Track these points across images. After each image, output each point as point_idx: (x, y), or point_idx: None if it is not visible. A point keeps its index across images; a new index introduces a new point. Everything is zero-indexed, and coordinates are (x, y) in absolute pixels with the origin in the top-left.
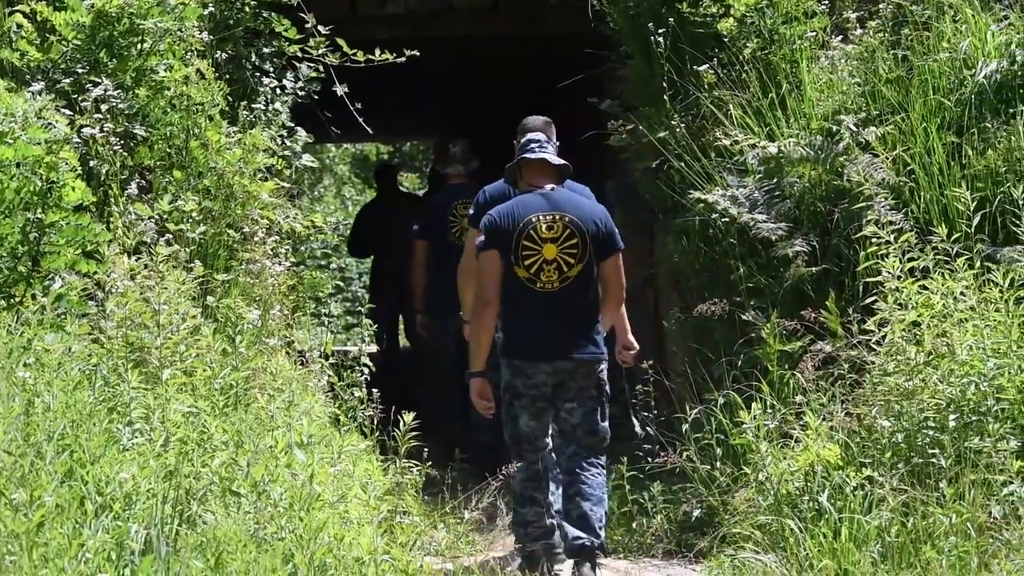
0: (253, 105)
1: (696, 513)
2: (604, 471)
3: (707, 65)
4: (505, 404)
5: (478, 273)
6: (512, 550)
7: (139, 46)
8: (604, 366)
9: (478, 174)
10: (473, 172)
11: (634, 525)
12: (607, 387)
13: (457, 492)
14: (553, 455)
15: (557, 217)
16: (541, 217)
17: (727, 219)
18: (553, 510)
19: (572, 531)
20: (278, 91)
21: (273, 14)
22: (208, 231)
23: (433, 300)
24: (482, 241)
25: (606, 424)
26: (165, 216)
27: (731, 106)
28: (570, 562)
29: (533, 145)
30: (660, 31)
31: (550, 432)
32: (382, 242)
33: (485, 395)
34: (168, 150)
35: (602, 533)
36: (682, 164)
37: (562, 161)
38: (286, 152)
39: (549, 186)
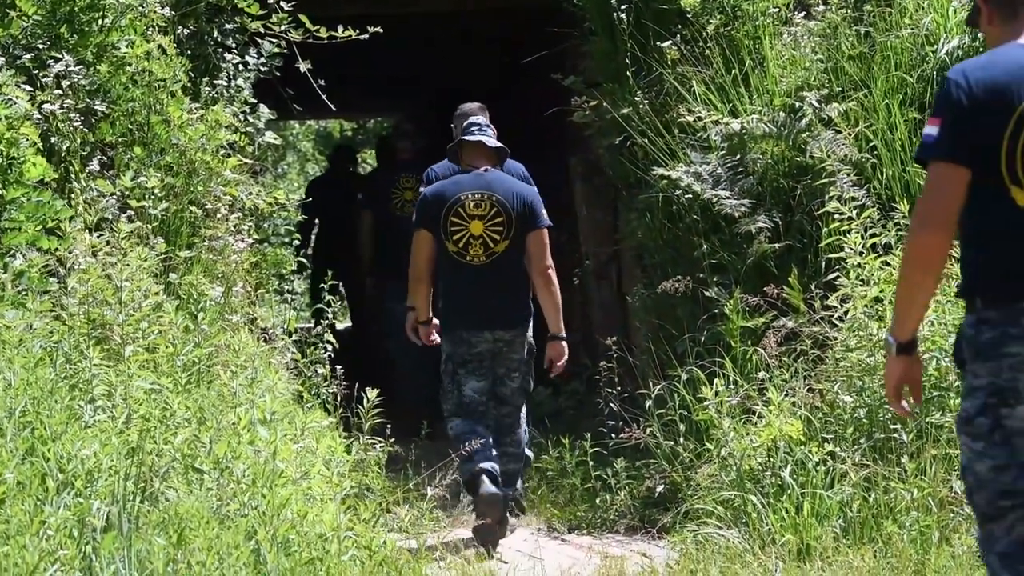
0: (215, 81)
1: (659, 489)
2: (524, 424)
3: (670, 41)
4: (448, 375)
5: (412, 251)
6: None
7: (100, 21)
8: (530, 328)
9: (427, 151)
10: (420, 149)
11: (598, 501)
12: (533, 347)
13: (421, 469)
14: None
15: (485, 196)
16: (470, 195)
17: (690, 195)
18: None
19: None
20: (240, 67)
21: None
22: (170, 208)
23: (376, 268)
24: (414, 220)
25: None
26: (127, 192)
27: (694, 82)
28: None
29: (473, 128)
30: (623, 7)
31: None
32: (327, 217)
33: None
34: (130, 126)
35: (520, 486)
36: (645, 140)
37: (499, 144)
38: (249, 129)
39: (484, 167)
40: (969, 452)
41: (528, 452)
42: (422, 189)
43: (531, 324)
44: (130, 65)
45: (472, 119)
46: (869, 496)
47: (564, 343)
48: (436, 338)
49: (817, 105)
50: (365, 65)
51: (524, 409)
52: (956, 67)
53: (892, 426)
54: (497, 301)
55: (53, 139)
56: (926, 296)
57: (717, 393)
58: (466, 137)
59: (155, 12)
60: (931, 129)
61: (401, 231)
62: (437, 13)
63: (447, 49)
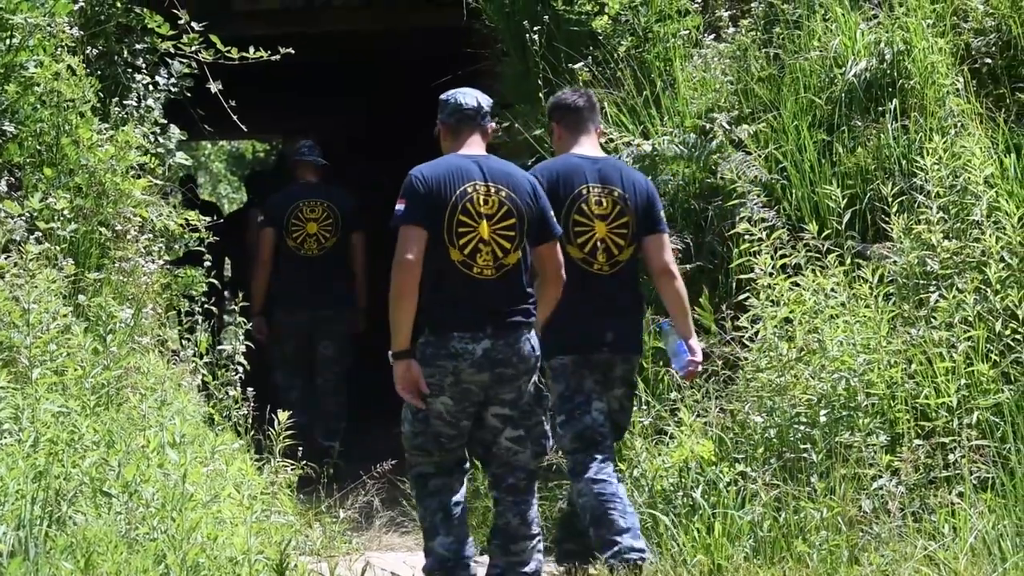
0: (125, 102)
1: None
2: None
3: (582, 63)
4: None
5: None
6: (389, 547)
7: (8, 41)
8: None
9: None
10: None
11: None
12: None
13: (333, 491)
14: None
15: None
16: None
17: None
18: None
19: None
20: (151, 88)
21: (145, 10)
22: (79, 229)
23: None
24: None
25: None
26: (35, 214)
27: (606, 104)
28: None
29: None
30: (535, 28)
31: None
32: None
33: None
34: (38, 147)
35: None
36: None
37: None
38: (159, 149)
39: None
40: None
41: None
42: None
43: None
44: (38, 85)
45: None
46: (779, 516)
47: None
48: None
49: (727, 127)
50: (276, 85)
51: None
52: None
53: (802, 446)
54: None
55: None
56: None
57: None
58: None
59: (64, 32)
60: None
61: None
62: (343, 33)
63: (354, 71)
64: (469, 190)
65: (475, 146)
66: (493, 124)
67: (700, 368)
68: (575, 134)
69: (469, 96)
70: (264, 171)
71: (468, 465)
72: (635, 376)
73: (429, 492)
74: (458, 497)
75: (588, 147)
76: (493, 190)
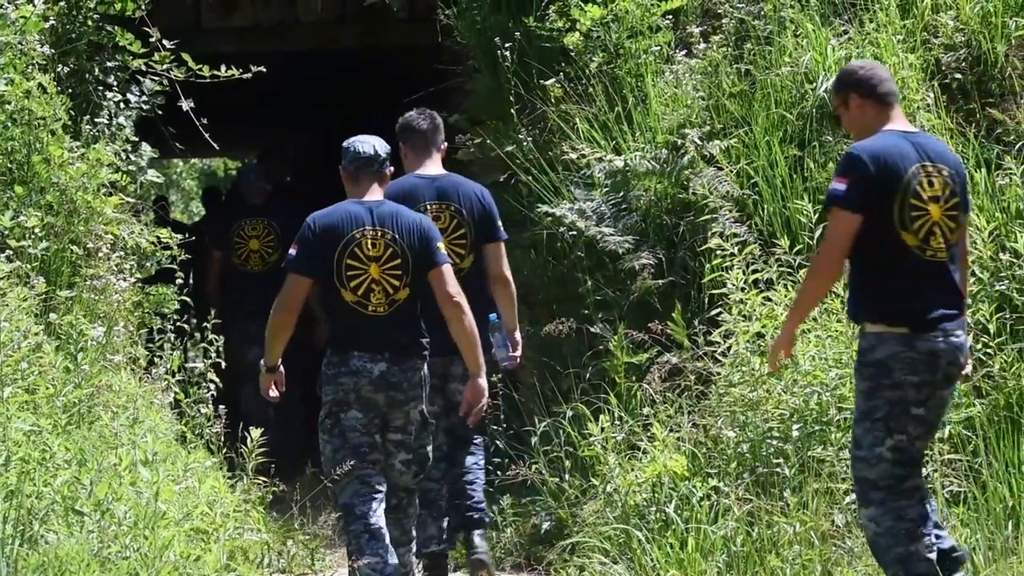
0: (96, 119)
1: (545, 526)
2: None
3: (554, 79)
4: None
5: None
6: None
7: None
8: None
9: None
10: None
11: None
12: None
13: (307, 508)
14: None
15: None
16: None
17: (574, 232)
18: None
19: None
20: (122, 105)
21: (117, 27)
22: (51, 247)
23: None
24: None
25: None
26: (6, 232)
27: (578, 120)
28: None
29: None
30: (507, 45)
31: None
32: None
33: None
34: (9, 165)
35: None
36: (530, 178)
37: None
38: (130, 167)
39: None
40: None
41: None
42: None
43: None
44: (9, 103)
45: None
46: (753, 530)
47: None
48: None
49: (699, 142)
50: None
51: None
52: None
53: (775, 460)
54: None
55: None
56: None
57: (602, 429)
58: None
59: (35, 50)
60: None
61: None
62: (318, 50)
63: (327, 87)
64: (357, 235)
65: (373, 192)
66: (390, 169)
67: (519, 360)
68: (420, 155)
69: (367, 144)
70: (217, 187)
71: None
72: None
73: (356, 517)
74: (377, 519)
75: (431, 166)
76: (379, 233)
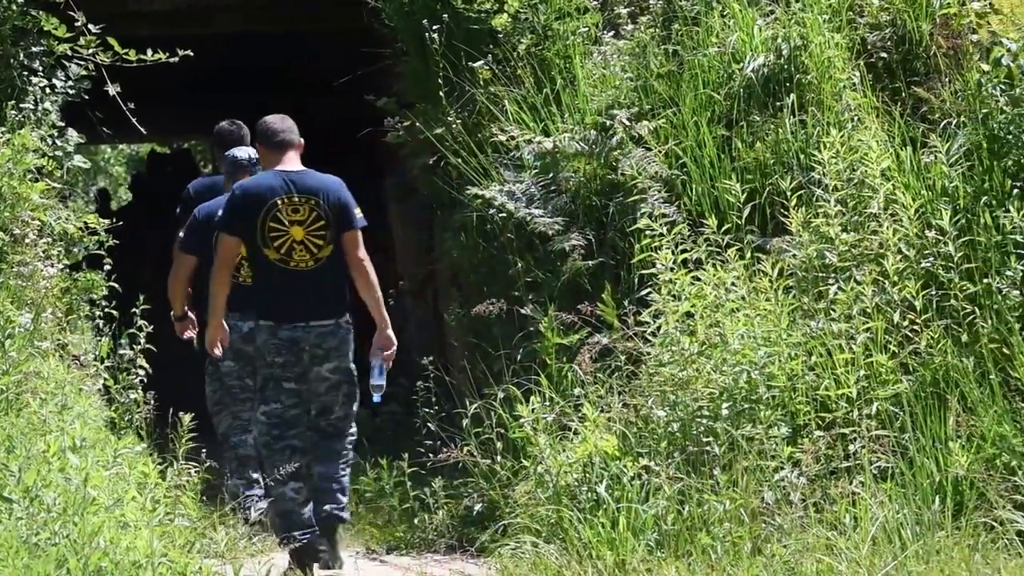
0: (22, 105)
1: (477, 507)
2: None
3: (482, 61)
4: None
5: None
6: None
7: None
8: None
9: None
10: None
11: (416, 521)
12: None
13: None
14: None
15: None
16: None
17: (504, 214)
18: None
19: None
20: (47, 90)
21: (41, 12)
22: None
23: None
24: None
25: None
26: None
27: (506, 102)
28: None
29: None
30: (435, 27)
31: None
32: None
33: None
34: None
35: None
36: (459, 160)
37: None
38: (57, 153)
39: None
40: None
41: None
42: None
43: None
44: None
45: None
46: (683, 509)
47: None
48: None
49: (627, 123)
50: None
51: None
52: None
53: (705, 439)
54: None
55: None
56: None
57: (533, 410)
58: None
59: None
60: None
61: None
62: (245, 33)
63: (254, 71)
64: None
65: (291, 161)
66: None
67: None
68: (278, 152)
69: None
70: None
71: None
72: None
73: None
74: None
75: (288, 163)
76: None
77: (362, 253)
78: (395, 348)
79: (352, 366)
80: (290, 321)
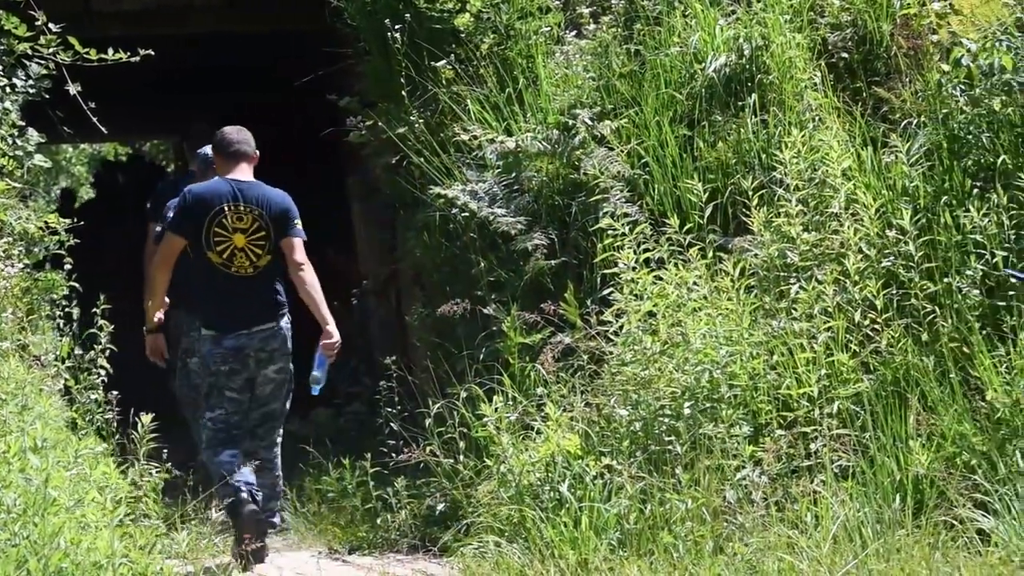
0: None
1: (440, 507)
2: None
3: (444, 61)
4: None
5: None
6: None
7: None
8: None
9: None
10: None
11: (379, 521)
12: None
13: (199, 494)
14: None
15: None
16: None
17: (467, 214)
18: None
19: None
20: (7, 90)
21: (1, 11)
22: None
23: None
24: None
25: None
26: None
27: (469, 101)
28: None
29: None
30: (397, 27)
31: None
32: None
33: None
34: None
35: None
36: (422, 160)
37: None
38: (17, 152)
39: None
40: None
41: None
42: None
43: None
44: None
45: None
46: (645, 508)
47: None
48: None
49: (590, 123)
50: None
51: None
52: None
53: (667, 438)
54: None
55: None
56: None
57: (496, 410)
58: None
59: None
60: None
61: None
62: (209, 34)
63: (222, 72)
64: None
65: (242, 172)
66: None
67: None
68: (231, 162)
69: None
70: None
71: None
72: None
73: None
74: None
75: (239, 173)
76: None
77: (300, 257)
78: (339, 343)
79: (291, 367)
80: (233, 330)
